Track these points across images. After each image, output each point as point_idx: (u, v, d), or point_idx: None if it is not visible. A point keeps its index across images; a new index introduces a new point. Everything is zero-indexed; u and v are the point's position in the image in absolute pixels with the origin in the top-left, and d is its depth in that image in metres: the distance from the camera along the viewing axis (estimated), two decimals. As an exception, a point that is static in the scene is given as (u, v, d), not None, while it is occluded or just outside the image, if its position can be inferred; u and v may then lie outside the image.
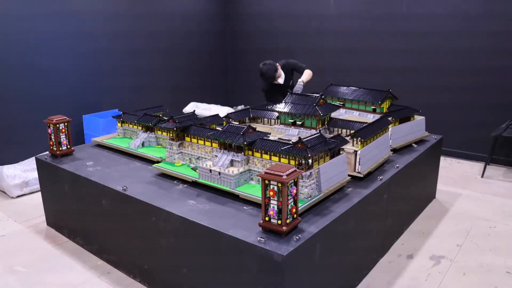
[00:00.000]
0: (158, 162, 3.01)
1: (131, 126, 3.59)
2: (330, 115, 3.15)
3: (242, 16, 6.72)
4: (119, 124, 3.69)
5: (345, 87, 3.68)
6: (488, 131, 4.57)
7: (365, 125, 2.87)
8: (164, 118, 3.35)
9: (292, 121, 3.14)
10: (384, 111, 3.44)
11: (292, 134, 3.08)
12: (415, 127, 3.58)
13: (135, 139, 3.39)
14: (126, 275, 2.77)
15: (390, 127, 3.24)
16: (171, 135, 2.97)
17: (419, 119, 3.63)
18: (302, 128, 3.08)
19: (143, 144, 3.36)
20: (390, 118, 3.26)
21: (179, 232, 2.33)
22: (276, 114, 3.38)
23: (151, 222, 2.46)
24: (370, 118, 3.38)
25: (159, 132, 3.33)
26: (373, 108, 3.47)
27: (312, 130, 3.01)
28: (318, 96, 3.06)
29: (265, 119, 3.55)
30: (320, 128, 3.03)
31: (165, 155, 3.02)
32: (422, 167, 3.49)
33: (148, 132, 3.39)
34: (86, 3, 5.00)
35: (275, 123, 3.40)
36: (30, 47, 4.57)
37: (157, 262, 2.55)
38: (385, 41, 5.32)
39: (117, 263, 2.85)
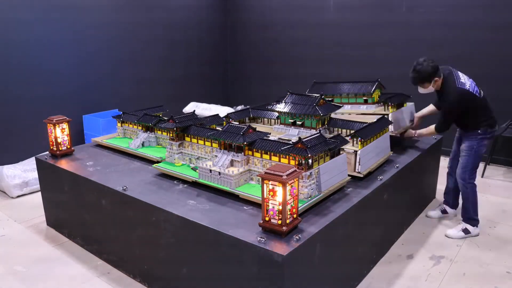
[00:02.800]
0: (158, 162, 3.01)
1: (131, 126, 3.59)
2: (330, 115, 3.16)
3: (243, 16, 6.72)
4: (119, 124, 3.69)
5: (329, 83, 3.68)
6: (488, 131, 4.56)
7: (365, 125, 2.88)
8: (164, 118, 3.34)
9: (292, 121, 3.14)
10: (376, 100, 3.46)
11: (292, 134, 3.07)
12: (409, 112, 3.64)
13: (135, 139, 3.39)
14: (126, 275, 2.77)
15: (390, 113, 3.27)
16: (171, 135, 2.97)
17: (410, 105, 3.69)
18: (302, 128, 3.08)
19: (143, 144, 3.36)
20: (390, 104, 3.32)
21: (179, 232, 2.33)
22: (276, 114, 3.38)
23: (151, 222, 2.46)
24: (363, 109, 3.45)
25: (159, 132, 3.33)
26: (365, 99, 3.49)
27: (312, 130, 3.00)
28: (318, 96, 3.06)
29: (265, 119, 3.56)
30: (320, 128, 3.02)
31: (165, 155, 3.02)
32: (422, 167, 3.49)
33: (148, 132, 3.39)
34: (86, 3, 5.00)
35: (275, 123, 3.40)
36: (30, 47, 4.57)
37: (157, 262, 2.55)
38: (385, 40, 5.32)
39: (117, 263, 2.85)
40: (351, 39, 5.59)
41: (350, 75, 5.43)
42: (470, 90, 3.04)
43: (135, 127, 3.54)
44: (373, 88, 3.42)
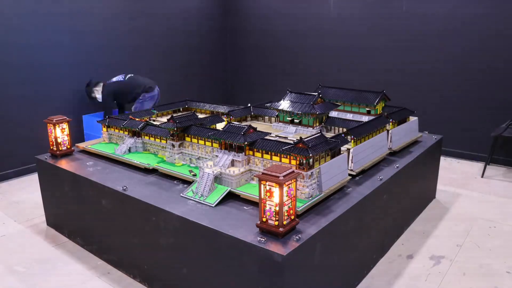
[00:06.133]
0: (146, 168, 2.95)
1: (116, 131, 3.43)
2: (328, 113, 3.16)
3: (242, 16, 6.73)
4: (104, 129, 3.52)
5: (334, 89, 3.63)
6: (488, 131, 4.57)
7: (360, 123, 2.88)
8: (152, 122, 3.30)
9: (290, 119, 3.14)
10: (379, 112, 3.43)
11: (290, 132, 3.10)
12: (411, 128, 3.58)
13: (121, 145, 3.25)
14: (126, 275, 2.77)
15: (391, 130, 3.24)
16: (171, 134, 2.96)
17: (413, 120, 3.63)
18: (299, 126, 3.09)
19: (129, 150, 3.22)
20: (390, 120, 3.26)
21: (179, 232, 2.33)
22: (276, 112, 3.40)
23: (151, 222, 2.46)
24: (365, 120, 3.37)
25: (147, 138, 3.21)
26: (368, 110, 3.45)
27: (309, 128, 3.03)
28: (316, 95, 3.07)
29: (266, 117, 3.57)
30: (317, 126, 3.03)
31: (152, 161, 2.99)
32: (422, 167, 3.49)
33: (135, 137, 3.25)
34: (86, 3, 5.00)
35: (275, 121, 3.42)
36: (30, 47, 4.57)
37: (157, 262, 2.55)
38: (385, 41, 5.32)
39: (117, 263, 2.85)
40: (352, 45, 5.60)
41: (350, 81, 5.45)
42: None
43: (121, 132, 3.39)
44: (377, 100, 3.37)
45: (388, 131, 3.23)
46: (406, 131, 3.47)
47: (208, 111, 3.94)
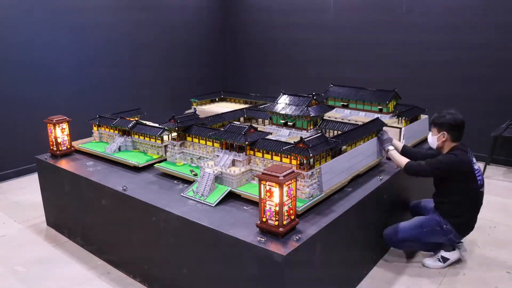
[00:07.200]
0: (135, 167, 2.98)
1: (107, 130, 3.46)
2: (323, 116, 3.13)
3: (242, 16, 6.72)
4: (95, 128, 3.55)
5: (347, 88, 3.67)
6: (488, 131, 4.57)
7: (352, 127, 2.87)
8: (142, 121, 3.33)
9: (283, 121, 3.11)
10: (391, 110, 3.46)
11: (283, 135, 3.06)
12: (421, 126, 3.61)
13: (111, 144, 3.28)
14: (126, 275, 2.77)
15: (403, 128, 3.27)
16: (172, 134, 2.96)
17: (424, 118, 3.66)
18: (293, 129, 3.06)
19: (119, 149, 3.24)
20: (403, 118, 3.31)
21: (179, 232, 2.33)
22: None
23: (151, 222, 2.45)
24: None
25: (136, 136, 3.24)
26: (380, 108, 3.47)
27: (303, 131, 2.99)
28: (310, 97, 3.03)
29: (259, 120, 3.54)
30: (311, 129, 3.00)
31: (141, 159, 3.02)
32: (422, 167, 3.49)
33: (125, 136, 3.28)
34: (86, 4, 4.99)
35: (269, 124, 3.39)
36: (30, 47, 4.56)
37: (157, 262, 2.55)
38: (385, 42, 5.32)
39: (117, 263, 2.85)
40: (352, 41, 5.59)
41: (351, 78, 5.44)
42: (476, 171, 2.76)
43: (111, 131, 3.41)
44: (389, 98, 3.42)
45: (400, 129, 3.24)
46: (417, 129, 3.51)
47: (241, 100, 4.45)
